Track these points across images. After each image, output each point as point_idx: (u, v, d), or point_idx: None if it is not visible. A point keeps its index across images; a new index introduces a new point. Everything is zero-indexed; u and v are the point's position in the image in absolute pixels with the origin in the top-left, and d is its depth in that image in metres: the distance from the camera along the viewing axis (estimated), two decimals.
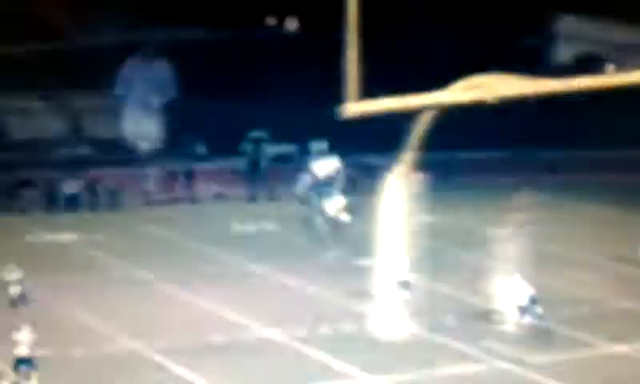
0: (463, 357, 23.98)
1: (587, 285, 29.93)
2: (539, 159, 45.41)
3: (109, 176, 40.53)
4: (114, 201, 39.53)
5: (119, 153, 45.35)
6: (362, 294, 28.46)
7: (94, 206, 39.32)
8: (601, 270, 31.69)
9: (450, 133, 48.68)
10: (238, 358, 23.58)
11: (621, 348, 24.80)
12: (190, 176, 41.91)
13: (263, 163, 44.81)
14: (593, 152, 48.53)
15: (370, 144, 47.15)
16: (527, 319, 25.83)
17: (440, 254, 33.32)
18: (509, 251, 33.64)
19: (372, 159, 46.15)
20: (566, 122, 51.43)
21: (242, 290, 29.09)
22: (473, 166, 45.43)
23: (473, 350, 24.28)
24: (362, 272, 31.14)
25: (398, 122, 53.08)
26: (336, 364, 23.37)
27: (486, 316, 26.78)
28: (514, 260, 32.18)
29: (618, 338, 25.31)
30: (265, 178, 44.07)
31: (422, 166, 44.55)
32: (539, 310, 26.00)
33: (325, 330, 25.75)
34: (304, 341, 24.92)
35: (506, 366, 23.44)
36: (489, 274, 30.53)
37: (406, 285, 27.68)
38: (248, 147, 47.19)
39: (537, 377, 22.74)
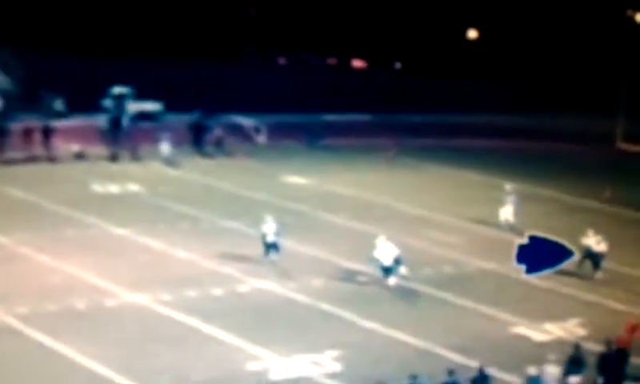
0: (327, 317, 24.93)
1: (450, 246, 31.54)
2: (401, 123, 47.09)
3: None
4: None
5: None
6: (230, 256, 29.00)
7: None
8: (463, 231, 33.44)
9: (316, 96, 50.44)
10: (101, 324, 23.60)
11: (482, 307, 26.45)
12: (48, 133, 40.64)
13: (125, 121, 44.24)
14: (454, 116, 50.82)
15: (240, 105, 47.77)
16: (392, 279, 27.15)
17: (306, 217, 34.25)
18: (375, 213, 35.06)
19: (241, 119, 46.68)
20: (428, 87, 53.62)
21: (104, 253, 28.94)
22: (338, 128, 46.56)
23: (340, 311, 25.27)
24: (230, 234, 31.70)
25: (273, 83, 53.68)
26: (205, 327, 23.82)
27: (351, 277, 27.86)
28: (378, 222, 33.61)
29: (480, 298, 26.96)
30: (127, 136, 43.64)
31: (289, 128, 46.01)
32: (404, 270, 27.38)
33: (192, 292, 26.11)
34: (170, 304, 25.19)
35: (369, 325, 24.55)
36: (354, 236, 31.75)
37: (273, 246, 28.44)
38: (109, 104, 46.46)
39: (401, 336, 23.96)
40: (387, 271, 27.20)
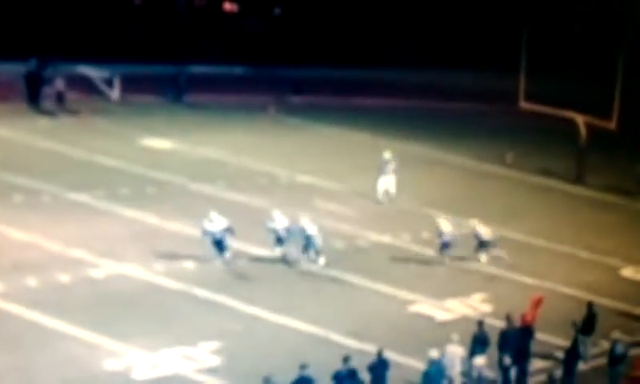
0: (202, 305, 26.11)
1: (341, 218, 33.29)
2: (281, 77, 48.40)
3: None
4: None
5: None
6: (79, 236, 29.71)
7: None
8: (355, 201, 35.20)
9: (181, 44, 50.96)
10: None
11: (378, 285, 28.21)
12: None
13: None
14: (342, 71, 52.54)
15: (86, 52, 47.90)
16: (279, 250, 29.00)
17: (172, 188, 35.26)
18: (255, 182, 36.35)
19: (88, 69, 46.99)
20: (313, 38, 55.06)
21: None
22: (207, 82, 47.49)
23: (217, 297, 26.50)
24: (77, 209, 32.35)
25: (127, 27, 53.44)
26: (50, 322, 24.55)
27: (229, 258, 29.11)
28: (259, 191, 34.96)
29: (375, 275, 28.85)
30: None
31: (148, 82, 46.50)
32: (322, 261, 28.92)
33: (32, 281, 26.76)
34: (5, 296, 25.77)
35: (251, 311, 25.87)
36: (232, 209, 32.94)
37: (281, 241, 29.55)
38: None
39: (287, 322, 25.38)
40: (281, 241, 29.39)
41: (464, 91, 52.28)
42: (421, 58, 55.25)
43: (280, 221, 29.76)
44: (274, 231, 29.73)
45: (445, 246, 30.48)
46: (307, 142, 42.54)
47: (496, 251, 31.04)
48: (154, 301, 26.34)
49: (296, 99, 47.84)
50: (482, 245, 30.86)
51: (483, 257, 30.88)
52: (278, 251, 29.68)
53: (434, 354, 21.92)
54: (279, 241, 29.70)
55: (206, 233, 28.91)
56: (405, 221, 33.95)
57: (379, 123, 45.93)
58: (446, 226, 30.64)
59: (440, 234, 30.50)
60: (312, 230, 29.53)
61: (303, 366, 20.87)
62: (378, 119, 46.68)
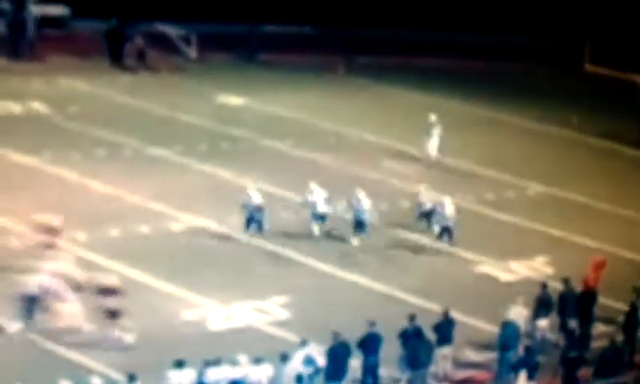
0: (273, 259, 25.97)
1: (406, 178, 32.70)
2: (351, 37, 47.78)
3: None
4: None
5: None
6: (158, 189, 29.72)
7: None
8: (420, 161, 34.49)
9: (252, 3, 50.51)
10: (6, 272, 24.16)
11: (443, 246, 27.78)
12: None
13: (30, 27, 44.15)
14: (409, 32, 51.74)
15: (165, 11, 47.68)
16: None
17: (245, 143, 35.08)
18: (323, 140, 35.95)
19: (167, 27, 46.82)
20: (382, 1, 54.26)
21: (5, 186, 29.39)
22: (278, 41, 47.11)
23: (287, 252, 26.36)
24: (157, 163, 32.38)
25: None
26: (130, 272, 24.61)
27: (299, 213, 28.82)
28: (327, 149, 34.62)
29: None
30: (31, 44, 43.65)
31: (223, 40, 46.24)
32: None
33: (113, 232, 26.83)
34: (87, 246, 25.87)
35: (320, 267, 25.66)
36: (301, 166, 32.68)
37: (322, 218, 27.79)
38: (6, 6, 46.29)
39: (355, 278, 25.14)
40: (321, 219, 27.56)
41: (528, 53, 51.14)
42: (487, 21, 54.29)
43: (318, 193, 27.62)
44: (312, 205, 27.54)
45: (424, 215, 28.29)
46: (374, 102, 41.99)
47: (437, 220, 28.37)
48: (228, 254, 26.28)
49: (364, 59, 47.21)
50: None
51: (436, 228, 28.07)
52: (315, 230, 27.44)
53: (510, 314, 21.49)
54: (317, 217, 27.40)
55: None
56: (468, 182, 33.36)
57: (444, 84, 45.17)
58: (427, 195, 28.69)
59: (420, 204, 28.49)
60: (366, 204, 27.33)
61: (372, 323, 20.60)
62: (443, 80, 45.91)
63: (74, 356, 20.89)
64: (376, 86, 44.18)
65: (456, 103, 41.43)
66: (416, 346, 20.59)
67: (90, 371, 19.64)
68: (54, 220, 23.69)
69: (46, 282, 21.80)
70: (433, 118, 34.64)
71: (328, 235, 27.55)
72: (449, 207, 27.93)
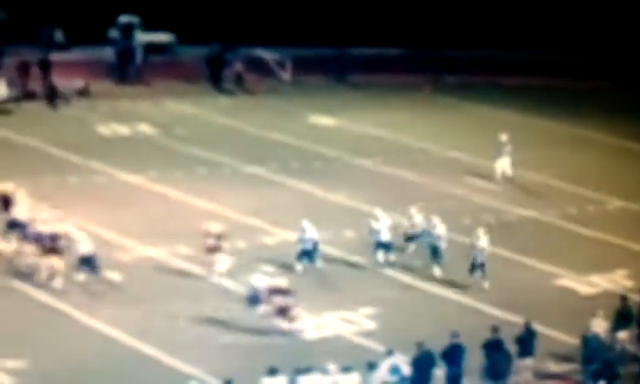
0: (360, 272, 25.98)
1: (489, 193, 32.52)
2: (437, 58, 47.50)
3: None
4: None
5: None
6: (255, 205, 30.01)
7: None
8: (499, 179, 33.98)
9: (342, 27, 50.67)
10: (112, 281, 24.69)
11: (525, 259, 27.40)
12: (46, 67, 41.53)
13: (138, 54, 45.03)
14: (493, 51, 51.23)
15: (262, 36, 48.17)
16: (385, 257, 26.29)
17: (336, 162, 35.17)
18: (411, 158, 35.78)
19: (263, 52, 47.29)
20: (467, 22, 53.80)
21: (113, 203, 30.02)
22: (368, 63, 47.14)
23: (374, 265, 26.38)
24: (253, 180, 32.73)
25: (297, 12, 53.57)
26: (228, 283, 24.93)
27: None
28: (414, 167, 34.45)
29: (522, 249, 28.04)
30: (138, 70, 44.54)
31: (315, 63, 46.50)
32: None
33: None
34: (190, 259, 26.28)
35: (405, 279, 25.58)
36: (389, 183, 32.62)
37: (387, 247, 26.57)
38: (116, 35, 47.31)
39: (440, 291, 24.98)
40: (385, 247, 26.36)
41: (611, 70, 50.17)
42: (572, 39, 53.48)
43: (383, 221, 26.20)
44: (376, 233, 26.04)
45: (410, 239, 26.69)
46: (460, 120, 41.70)
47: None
48: (318, 266, 26.27)
49: (450, 79, 46.96)
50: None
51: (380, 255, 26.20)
52: (380, 257, 25.98)
53: (592, 327, 21.14)
54: (380, 245, 25.97)
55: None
56: (549, 197, 32.90)
57: (526, 102, 44.62)
58: (418, 216, 26.92)
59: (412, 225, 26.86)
60: (441, 230, 25.96)
61: (454, 335, 20.46)
62: (525, 98, 45.36)
63: (173, 362, 21.22)
64: (462, 104, 43.92)
65: (540, 121, 40.90)
66: (496, 358, 20.39)
67: (188, 377, 19.93)
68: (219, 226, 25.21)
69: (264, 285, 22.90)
70: (504, 137, 33.87)
71: (393, 264, 26.55)
72: (439, 228, 26.37)
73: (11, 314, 23.00)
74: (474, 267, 25.49)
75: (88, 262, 24.26)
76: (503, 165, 33.68)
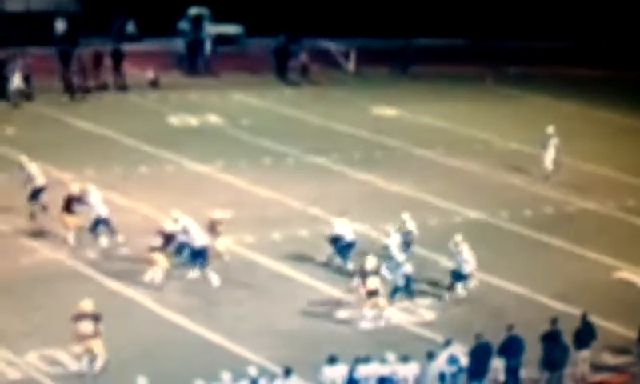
0: (419, 261, 25.86)
1: (550, 184, 32.04)
2: (498, 48, 46.97)
3: (21, 57, 39.87)
4: (27, 87, 38.86)
5: (31, 29, 45.23)
6: (317, 195, 30.03)
7: (2, 94, 38.78)
8: (564, 168, 33.23)
9: (406, 18, 50.28)
10: (179, 269, 24.91)
11: (584, 251, 27.02)
12: (118, 58, 41.84)
13: (207, 45, 45.29)
14: (553, 42, 50.46)
15: (326, 27, 48.07)
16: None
17: (398, 152, 35.00)
18: (472, 148, 35.47)
19: (329, 43, 47.22)
20: (529, 13, 53.00)
21: (181, 192, 30.25)
22: (430, 54, 46.76)
23: (433, 255, 26.19)
24: (316, 171, 32.73)
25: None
26: (292, 272, 25.00)
27: (447, 218, 28.58)
28: (475, 157, 34.13)
29: (582, 241, 27.61)
30: (207, 61, 44.79)
31: (379, 54, 46.28)
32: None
33: (276, 235, 27.26)
34: (254, 247, 26.40)
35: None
36: (450, 173, 32.34)
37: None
38: (186, 26, 47.64)
39: (498, 282, 24.72)
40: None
41: None
42: (628, 30, 52.51)
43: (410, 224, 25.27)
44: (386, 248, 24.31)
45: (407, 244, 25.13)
46: (520, 111, 41.21)
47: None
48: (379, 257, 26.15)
49: (512, 69, 46.39)
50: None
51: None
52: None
53: None
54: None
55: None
56: (609, 188, 32.37)
57: (587, 93, 43.94)
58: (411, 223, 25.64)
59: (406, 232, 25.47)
60: (466, 253, 24.15)
61: (510, 327, 20.25)
62: (586, 89, 44.66)
63: (235, 348, 21.36)
64: (524, 95, 43.40)
65: (601, 111, 40.26)
66: (553, 349, 20.15)
67: (248, 362, 20.05)
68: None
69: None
70: (550, 129, 32.90)
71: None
72: (409, 223, 25.69)
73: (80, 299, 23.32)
74: (457, 279, 23.81)
75: (201, 255, 24.02)
76: (549, 157, 32.54)
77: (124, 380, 19.16)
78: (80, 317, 20.10)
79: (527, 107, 41.77)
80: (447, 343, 19.90)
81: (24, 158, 27.77)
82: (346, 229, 25.40)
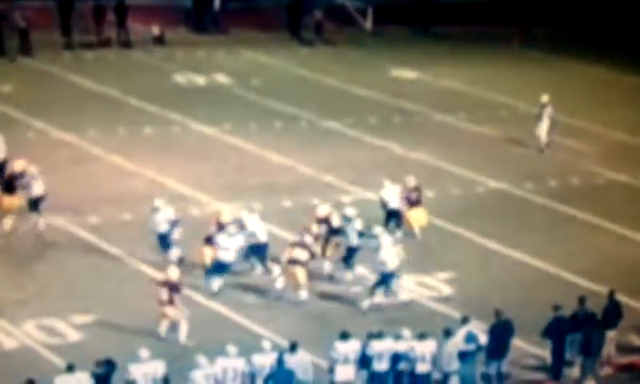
0: (438, 234, 25.81)
1: (578, 154, 32.00)
2: (527, 7, 46.61)
3: (18, 10, 39.74)
4: (26, 41, 39.02)
5: None
6: (330, 162, 30.04)
7: (1, 49, 38.99)
8: (593, 138, 33.51)
9: None
10: (185, 235, 24.88)
11: (613, 225, 26.86)
12: (122, 12, 41.75)
13: (213, 0, 45.11)
14: (583, 3, 50.00)
15: None
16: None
17: (418, 117, 34.91)
18: (497, 114, 35.31)
19: (344, 0, 46.93)
20: None
21: (188, 155, 30.31)
22: (452, 13, 46.48)
23: (452, 228, 26.16)
24: (330, 135, 32.71)
25: None
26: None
27: (469, 189, 28.54)
28: (500, 124, 34.03)
29: (611, 215, 27.49)
30: (215, 17, 44.69)
31: (398, 12, 45.96)
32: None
33: (287, 202, 27.31)
34: (263, 216, 26.38)
35: (485, 244, 25.40)
36: (473, 140, 32.24)
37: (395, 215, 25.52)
38: None
39: (521, 257, 24.74)
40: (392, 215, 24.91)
41: None
42: None
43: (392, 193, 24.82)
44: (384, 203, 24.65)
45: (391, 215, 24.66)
46: (549, 76, 40.88)
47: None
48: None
49: (540, 31, 46.06)
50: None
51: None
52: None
53: None
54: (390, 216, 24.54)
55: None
56: None
57: (618, 58, 43.55)
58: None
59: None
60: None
61: (557, 307, 20.02)
62: (618, 53, 44.27)
63: (245, 322, 21.47)
64: (551, 58, 43.13)
65: (633, 78, 40.00)
66: (589, 333, 19.99)
67: (260, 337, 20.16)
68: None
69: None
70: (544, 99, 32.05)
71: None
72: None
73: (87, 270, 23.45)
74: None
75: (258, 250, 23.17)
76: (544, 129, 31.77)
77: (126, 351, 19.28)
78: (161, 283, 20.65)
79: (554, 71, 41.54)
80: (464, 320, 19.91)
81: None
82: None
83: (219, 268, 22.54)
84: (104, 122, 32.24)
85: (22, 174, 24.85)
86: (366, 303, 22.16)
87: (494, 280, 23.86)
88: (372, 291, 22.24)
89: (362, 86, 37.79)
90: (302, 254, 22.28)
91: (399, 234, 24.44)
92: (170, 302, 20.57)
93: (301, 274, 22.18)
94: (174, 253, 23.25)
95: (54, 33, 40.48)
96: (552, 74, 41.02)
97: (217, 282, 22.54)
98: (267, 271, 22.99)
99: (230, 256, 22.54)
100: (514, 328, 19.99)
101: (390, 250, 22.20)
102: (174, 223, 23.53)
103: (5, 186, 24.96)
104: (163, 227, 23.39)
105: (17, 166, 25.15)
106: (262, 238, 23.22)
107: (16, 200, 24.91)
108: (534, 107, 36.30)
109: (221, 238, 22.56)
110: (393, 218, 24.98)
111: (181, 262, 22.59)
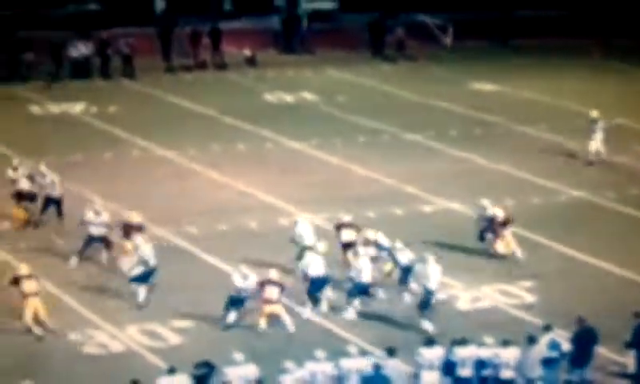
0: (521, 243, 24.95)
1: None
2: (606, 20, 45.16)
3: (123, 37, 40.56)
4: (130, 66, 39.73)
5: (133, 9, 45.57)
6: (413, 173, 29.39)
7: (105, 72, 39.70)
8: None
9: None
10: (274, 244, 24.58)
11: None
12: (216, 37, 41.82)
13: (303, 22, 44.85)
14: None
15: (422, 2, 47.01)
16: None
17: (497, 129, 34.01)
18: (575, 124, 34.12)
19: (425, 17, 46.24)
20: None
21: (278, 169, 30.02)
22: (531, 26, 45.36)
23: (535, 237, 25.25)
24: (412, 148, 32.05)
25: None
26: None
27: (549, 198, 27.52)
28: (578, 134, 32.86)
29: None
30: (302, 38, 44.44)
31: (477, 27, 45.15)
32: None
33: (371, 213, 26.72)
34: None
35: (568, 252, 24.40)
36: (552, 151, 31.24)
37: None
38: (281, 3, 47.34)
39: (604, 265, 23.68)
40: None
41: None
42: None
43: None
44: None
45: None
46: (630, 87, 39.45)
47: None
48: (474, 236, 25.38)
49: (622, 42, 44.50)
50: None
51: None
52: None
53: None
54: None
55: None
56: None
57: None
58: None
59: None
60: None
61: (638, 314, 19.07)
62: None
63: (334, 328, 20.97)
64: (632, 70, 41.63)
65: None
66: None
67: (347, 342, 19.65)
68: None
69: None
70: (594, 114, 30.46)
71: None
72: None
73: (185, 277, 23.25)
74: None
75: (317, 284, 21.76)
76: (597, 143, 30.28)
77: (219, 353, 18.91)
78: (266, 282, 20.76)
79: (635, 82, 40.05)
80: (547, 328, 19.07)
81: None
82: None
83: (360, 289, 21.55)
84: (202, 139, 32.23)
85: (139, 227, 23.50)
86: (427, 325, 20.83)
87: (575, 288, 22.87)
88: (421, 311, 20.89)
89: (443, 99, 37.03)
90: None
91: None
92: (279, 301, 20.65)
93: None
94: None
95: (156, 57, 40.69)
96: (632, 85, 39.59)
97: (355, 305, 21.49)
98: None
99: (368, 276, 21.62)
100: (598, 336, 19.07)
101: (434, 268, 21.17)
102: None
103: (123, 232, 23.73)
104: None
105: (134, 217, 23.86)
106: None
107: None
108: (614, 118, 34.99)
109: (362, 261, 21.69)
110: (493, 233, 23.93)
111: None
